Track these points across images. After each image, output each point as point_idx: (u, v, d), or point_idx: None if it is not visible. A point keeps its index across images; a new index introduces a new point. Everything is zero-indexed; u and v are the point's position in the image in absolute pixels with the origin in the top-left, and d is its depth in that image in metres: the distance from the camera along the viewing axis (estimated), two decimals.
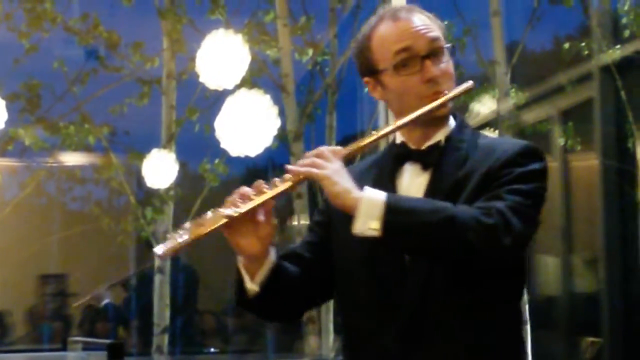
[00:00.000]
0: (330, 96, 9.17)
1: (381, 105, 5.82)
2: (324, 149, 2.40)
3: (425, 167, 2.51)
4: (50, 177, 10.50)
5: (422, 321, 2.40)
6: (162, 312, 8.75)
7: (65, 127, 8.83)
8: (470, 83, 2.54)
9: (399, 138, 2.59)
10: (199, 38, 7.16)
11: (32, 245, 10.85)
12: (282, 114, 7.39)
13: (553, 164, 10.11)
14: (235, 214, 2.33)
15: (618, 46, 8.42)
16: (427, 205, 2.33)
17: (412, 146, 2.55)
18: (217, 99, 7.85)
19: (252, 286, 2.46)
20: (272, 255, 2.47)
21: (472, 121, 9.60)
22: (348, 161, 2.43)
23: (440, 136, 2.54)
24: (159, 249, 2.35)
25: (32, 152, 9.10)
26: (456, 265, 2.36)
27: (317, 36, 9.09)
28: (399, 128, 2.51)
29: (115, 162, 9.04)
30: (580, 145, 8.96)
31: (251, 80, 7.96)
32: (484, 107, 9.22)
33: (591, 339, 9.20)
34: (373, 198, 2.29)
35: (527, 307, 8.36)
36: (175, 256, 2.41)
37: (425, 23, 2.55)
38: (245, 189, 2.38)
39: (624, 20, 8.13)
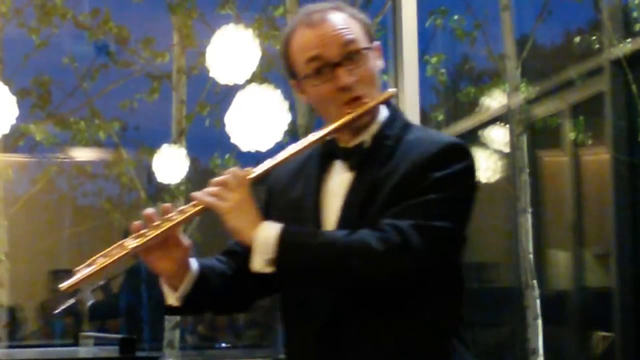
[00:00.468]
0: None
1: (392, 99, 5.80)
2: (229, 178, 2.37)
3: (350, 167, 2.46)
4: (61, 172, 10.50)
5: (340, 322, 2.37)
6: None
7: (75, 123, 8.83)
8: (392, 90, 2.49)
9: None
10: (209, 33, 7.15)
11: (43, 241, 10.87)
12: (292, 108, 7.37)
13: (563, 159, 10.10)
14: (138, 246, 2.33)
15: (629, 40, 8.41)
16: (319, 239, 2.30)
17: (342, 144, 2.50)
18: (227, 94, 7.83)
19: (173, 302, 2.46)
20: (193, 269, 2.45)
21: (483, 115, 9.59)
22: (261, 178, 2.41)
23: (367, 134, 2.47)
24: (63, 284, 2.35)
25: (42, 147, 9.10)
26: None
27: None
28: (312, 143, 2.45)
29: (126, 157, 9.05)
30: (590, 140, 8.96)
31: (261, 75, 7.95)
32: (494, 101, 9.22)
33: (602, 333, 9.19)
34: (266, 236, 2.28)
35: (538, 302, 8.37)
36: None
37: (339, 26, 2.45)
38: (153, 215, 2.38)
39: (635, 14, 8.12)
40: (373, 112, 2.46)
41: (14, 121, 6.51)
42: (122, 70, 9.10)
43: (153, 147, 8.60)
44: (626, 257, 9.10)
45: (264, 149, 6.75)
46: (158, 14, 9.35)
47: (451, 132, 10.07)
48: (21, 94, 8.24)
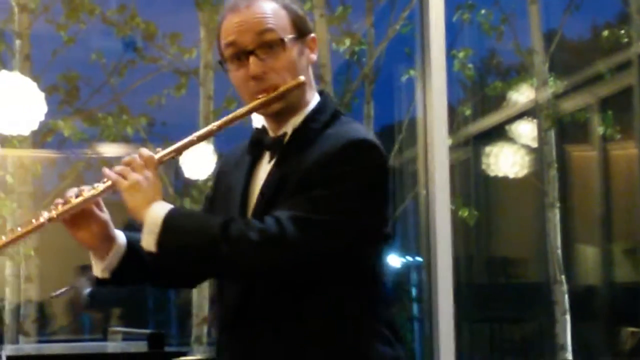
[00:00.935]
0: (368, 86, 9.15)
1: (419, 94, 5.79)
2: (136, 157, 2.42)
3: (270, 158, 2.48)
4: (89, 168, 10.52)
5: (245, 315, 2.38)
6: (200, 303, 8.79)
7: (103, 119, 8.87)
8: (300, 78, 2.43)
9: (262, 121, 2.56)
10: None
11: (71, 236, 10.92)
12: None
13: (592, 153, 10.05)
14: (50, 218, 2.44)
15: None
16: (199, 223, 2.32)
17: (270, 133, 2.51)
18: None
19: (98, 273, 2.57)
20: (120, 242, 2.54)
21: (510, 110, 9.55)
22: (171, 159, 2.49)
23: (290, 126, 2.47)
24: None
25: (71, 143, 9.14)
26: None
27: (354, 26, 9.07)
28: (219, 129, 2.49)
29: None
30: (619, 134, 8.91)
31: None
32: (522, 96, 9.18)
33: (631, 329, 9.14)
34: (156, 216, 2.31)
35: (566, 297, 8.34)
36: None
37: (259, 14, 2.43)
38: (69, 193, 2.45)
39: None
40: (289, 100, 2.44)
41: (42, 117, 6.54)
42: (149, 66, 9.13)
43: None
44: None
45: None
46: (185, 9, 9.37)
47: (479, 127, 10.06)
48: (49, 90, 8.29)
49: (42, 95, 6.51)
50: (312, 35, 2.51)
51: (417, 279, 9.26)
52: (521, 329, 10.43)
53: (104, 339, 6.11)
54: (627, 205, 9.73)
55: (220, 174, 2.68)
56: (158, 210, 2.32)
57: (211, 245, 2.25)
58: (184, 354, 4.79)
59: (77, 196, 2.45)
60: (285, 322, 2.34)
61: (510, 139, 9.50)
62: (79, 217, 2.49)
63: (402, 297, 9.82)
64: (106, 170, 2.43)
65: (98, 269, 2.57)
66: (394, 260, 9.77)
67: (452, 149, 6.85)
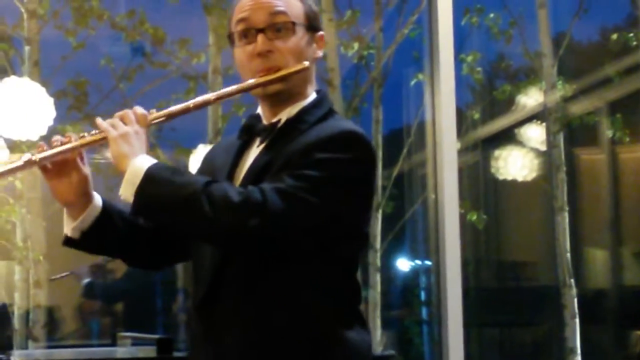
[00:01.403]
0: (376, 90, 9.14)
1: (428, 98, 5.79)
2: (130, 111, 2.41)
3: (260, 143, 2.49)
4: (98, 173, 10.53)
5: (218, 289, 2.37)
6: None
7: None
8: (306, 63, 2.47)
9: (259, 109, 2.57)
10: None
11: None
12: None
13: (601, 157, 10.04)
14: (34, 158, 2.41)
15: None
16: (183, 179, 2.28)
17: (264, 120, 2.53)
18: None
19: (69, 232, 2.53)
20: (96, 204, 2.53)
21: (519, 114, 9.54)
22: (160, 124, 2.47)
23: (284, 114, 2.49)
24: None
25: None
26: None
27: (363, 30, 9.06)
28: (216, 100, 2.49)
29: (162, 157, 9.08)
30: (628, 137, 8.89)
31: None
32: (531, 99, 9.17)
33: None
34: (138, 166, 2.30)
35: (575, 300, 8.32)
36: None
37: None
38: (55, 137, 2.44)
39: None
40: (289, 84, 2.47)
41: (51, 122, 6.54)
42: (158, 71, 9.13)
43: (189, 148, 8.63)
44: None
45: None
46: (193, 14, 9.38)
47: (487, 131, 10.04)
48: (58, 95, 8.29)
49: (51, 100, 6.52)
50: (321, 33, 2.56)
51: (426, 283, 9.24)
52: (530, 332, 10.42)
53: (113, 344, 6.10)
54: (636, 208, 9.71)
55: (207, 158, 2.68)
56: (142, 162, 2.32)
57: (191, 199, 2.22)
58: None
59: (62, 143, 2.43)
60: (252, 304, 2.33)
61: (519, 143, 9.49)
62: (61, 165, 2.47)
63: (411, 300, 9.81)
64: (99, 119, 2.42)
65: (69, 227, 2.53)
66: (403, 264, 9.77)
67: (461, 152, 6.86)
